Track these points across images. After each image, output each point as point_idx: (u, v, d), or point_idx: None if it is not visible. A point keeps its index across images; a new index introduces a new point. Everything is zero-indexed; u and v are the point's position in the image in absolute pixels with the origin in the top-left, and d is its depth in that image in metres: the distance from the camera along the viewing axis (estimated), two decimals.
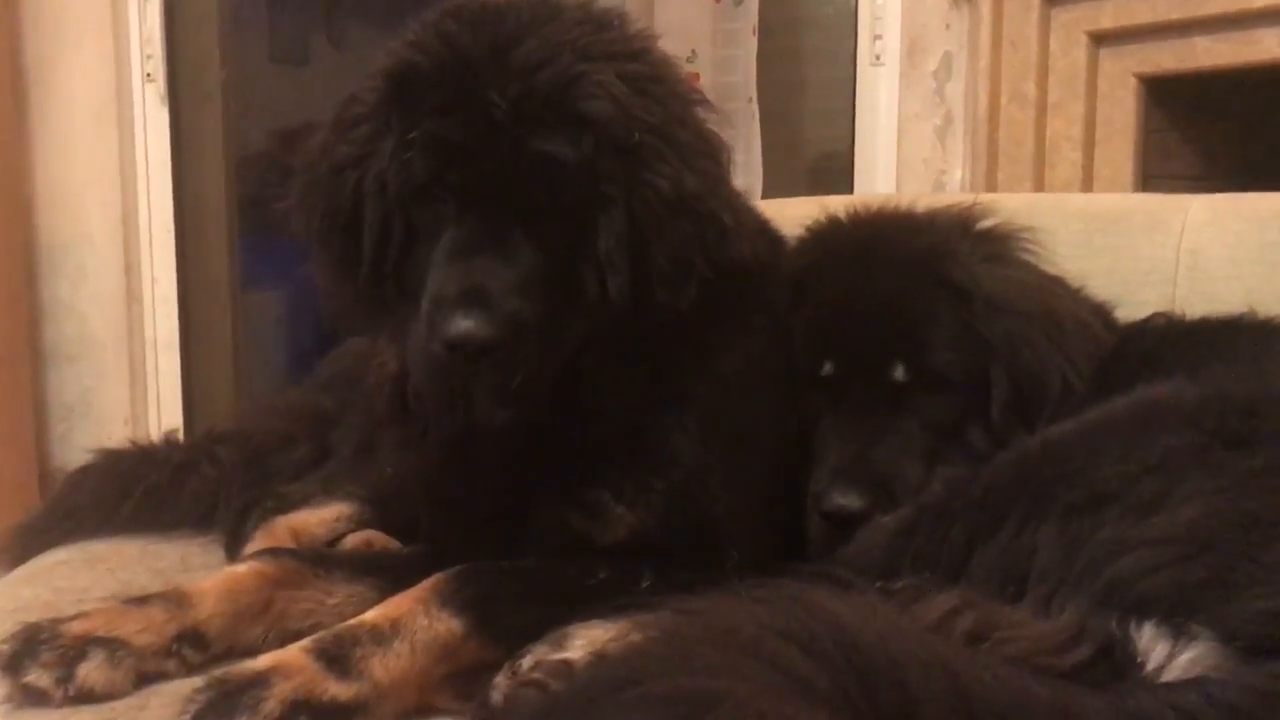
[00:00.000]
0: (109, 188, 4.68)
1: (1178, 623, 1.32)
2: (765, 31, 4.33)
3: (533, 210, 1.65)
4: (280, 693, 1.45)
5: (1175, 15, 3.15)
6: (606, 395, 1.77)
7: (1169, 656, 1.32)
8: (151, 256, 4.77)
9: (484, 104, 1.63)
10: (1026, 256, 2.05)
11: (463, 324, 1.57)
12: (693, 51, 4.03)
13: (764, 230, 2.03)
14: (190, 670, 1.64)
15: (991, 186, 3.61)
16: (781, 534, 1.91)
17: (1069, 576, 1.42)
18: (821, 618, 1.34)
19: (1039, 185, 3.53)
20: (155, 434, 4.49)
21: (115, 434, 4.52)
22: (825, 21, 4.67)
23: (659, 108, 1.70)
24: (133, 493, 2.34)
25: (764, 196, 3.81)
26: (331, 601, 1.78)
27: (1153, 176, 3.41)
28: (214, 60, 4.98)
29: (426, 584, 1.65)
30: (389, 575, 1.82)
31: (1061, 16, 3.45)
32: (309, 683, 1.48)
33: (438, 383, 1.68)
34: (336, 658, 1.52)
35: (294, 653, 1.53)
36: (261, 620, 1.73)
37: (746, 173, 4.09)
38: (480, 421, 1.70)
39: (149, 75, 4.69)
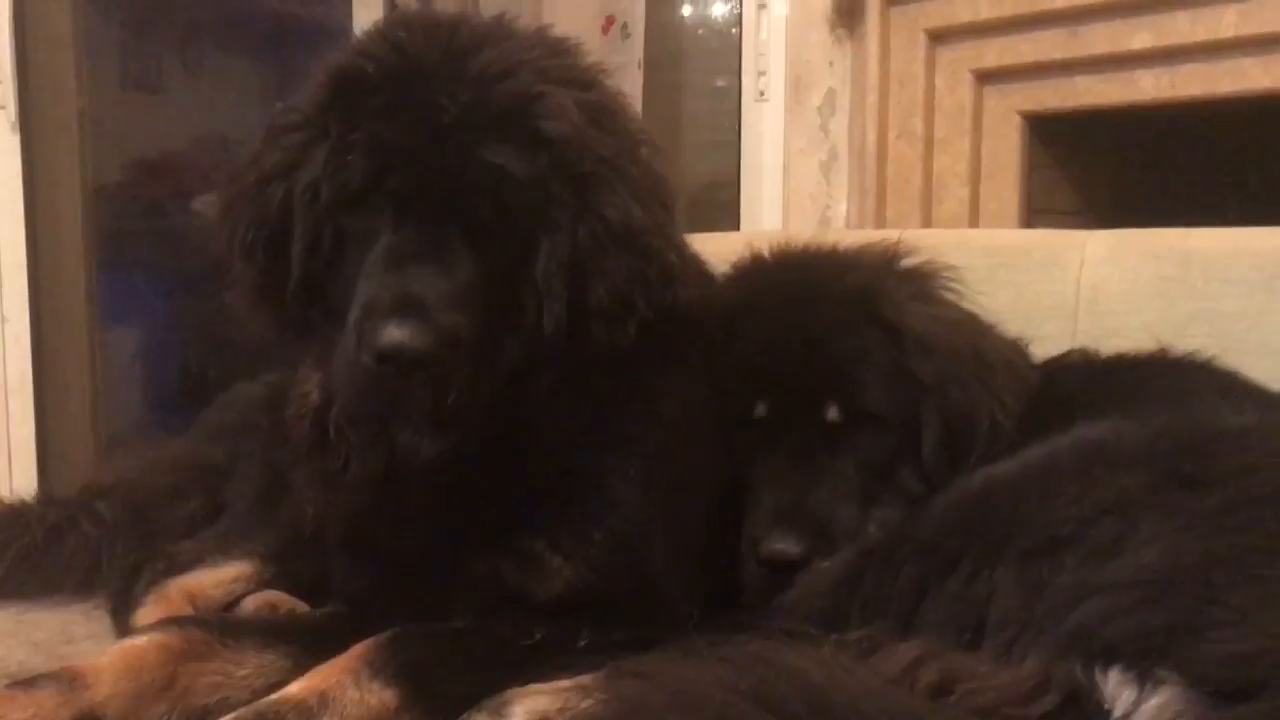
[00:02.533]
0: None
1: (1144, 668, 1.30)
2: (649, 65, 4.31)
3: (475, 222, 1.58)
4: None
5: (1058, 55, 3.22)
6: (544, 432, 1.69)
7: (1136, 703, 1.30)
8: (1, 293, 4.47)
9: (433, 108, 1.55)
10: (949, 295, 2.05)
11: (395, 333, 1.47)
12: None
13: (702, 271, 1.98)
14: None
15: (880, 221, 3.64)
16: (715, 581, 1.85)
17: (1030, 622, 1.40)
18: (788, 677, 1.30)
19: (926, 220, 3.57)
20: (7, 485, 4.25)
21: None
22: (709, 56, 4.68)
23: (612, 140, 1.66)
24: (2, 556, 2.16)
25: None
26: (241, 673, 1.66)
27: (1037, 211, 3.48)
28: (69, 85, 4.71)
29: (355, 652, 1.54)
30: (303, 642, 1.70)
31: (947, 55, 3.50)
32: None
33: (364, 402, 1.58)
34: None
35: None
36: (164, 698, 1.60)
37: None
38: (408, 452, 1.60)
39: None
